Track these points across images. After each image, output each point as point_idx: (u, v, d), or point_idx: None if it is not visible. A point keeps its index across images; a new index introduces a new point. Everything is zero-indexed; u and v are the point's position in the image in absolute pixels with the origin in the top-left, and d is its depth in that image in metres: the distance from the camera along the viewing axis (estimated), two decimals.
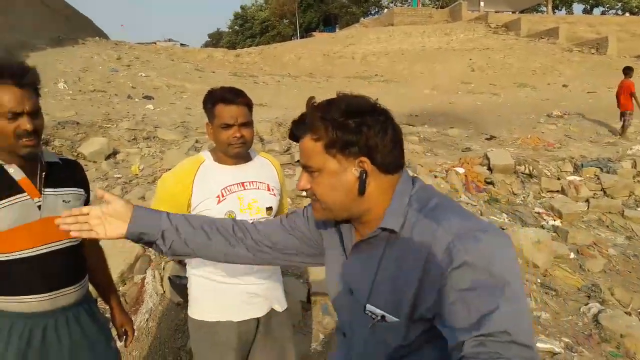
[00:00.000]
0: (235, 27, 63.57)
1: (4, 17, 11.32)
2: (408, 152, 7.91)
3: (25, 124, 1.60)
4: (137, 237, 1.29)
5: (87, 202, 1.89)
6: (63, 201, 1.75)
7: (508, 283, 0.96)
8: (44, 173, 1.73)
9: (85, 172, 2.01)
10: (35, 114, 1.64)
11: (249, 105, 1.99)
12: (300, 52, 26.26)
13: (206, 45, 59.98)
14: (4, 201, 1.62)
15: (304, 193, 1.23)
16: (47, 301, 1.70)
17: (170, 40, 61.44)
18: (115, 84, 14.07)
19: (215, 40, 71.87)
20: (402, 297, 1.07)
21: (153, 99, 12.60)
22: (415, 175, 6.47)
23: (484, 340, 0.92)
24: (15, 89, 1.58)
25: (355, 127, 1.06)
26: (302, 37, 44.97)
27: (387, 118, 1.11)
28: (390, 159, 1.10)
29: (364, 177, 1.09)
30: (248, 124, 1.96)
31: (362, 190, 1.10)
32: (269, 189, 2.07)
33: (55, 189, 1.74)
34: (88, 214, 1.26)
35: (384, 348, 1.15)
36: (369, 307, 1.13)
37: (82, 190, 1.86)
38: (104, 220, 1.26)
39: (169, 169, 2.20)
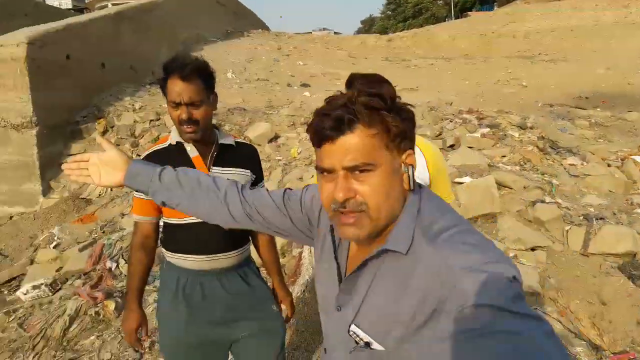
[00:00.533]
0: (388, 12, 63.23)
1: (186, 15, 12.75)
2: (575, 138, 7.22)
3: (182, 113, 1.82)
4: (132, 189, 1.38)
5: (255, 183, 2.06)
6: (227, 180, 1.96)
7: (530, 318, 0.80)
8: (215, 153, 1.96)
9: (259, 155, 2.18)
10: (194, 104, 1.83)
11: None
12: (455, 32, 25.25)
13: (358, 32, 60.72)
14: None
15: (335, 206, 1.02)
16: (206, 262, 1.95)
17: (324, 29, 63.41)
18: (276, 73, 15.00)
19: (368, 26, 72.30)
20: (392, 327, 0.95)
21: (310, 86, 13.20)
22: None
23: None
24: (179, 82, 1.80)
25: (408, 115, 0.97)
26: (457, 17, 43.12)
27: None
28: None
29: (411, 171, 0.98)
30: None
31: (413, 185, 0.99)
32: None
33: (223, 168, 1.96)
34: (88, 160, 1.34)
35: None
36: (353, 327, 1.03)
37: (248, 171, 2.02)
38: (100, 168, 1.32)
39: None
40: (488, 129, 7.22)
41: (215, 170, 1.94)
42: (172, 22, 11.45)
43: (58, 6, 31.29)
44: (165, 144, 1.96)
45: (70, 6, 40.52)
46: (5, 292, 5.42)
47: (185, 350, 1.96)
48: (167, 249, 2.01)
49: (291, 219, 1.27)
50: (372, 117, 0.94)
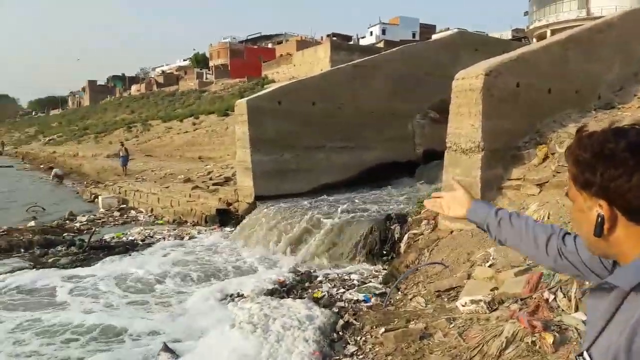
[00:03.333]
0: None
1: None
2: None
3: None
4: (472, 222, 1.63)
5: None
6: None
7: None
8: None
9: None
10: None
11: None
12: None
13: None
14: None
15: None
16: None
17: None
18: None
19: None
20: (608, 356, 0.97)
21: None
22: None
23: None
24: None
25: (591, 166, 1.01)
26: None
27: None
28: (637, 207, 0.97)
29: (599, 220, 1.02)
30: None
31: (596, 233, 1.04)
32: None
33: None
34: (442, 197, 1.73)
35: None
36: (585, 354, 1.07)
37: None
38: (450, 203, 1.69)
39: None
40: None
41: None
42: (627, 39, 10.30)
43: (499, 37, 33.52)
44: None
45: (510, 37, 42.74)
46: (445, 299, 6.02)
47: None
48: None
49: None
50: (566, 158, 1.10)
